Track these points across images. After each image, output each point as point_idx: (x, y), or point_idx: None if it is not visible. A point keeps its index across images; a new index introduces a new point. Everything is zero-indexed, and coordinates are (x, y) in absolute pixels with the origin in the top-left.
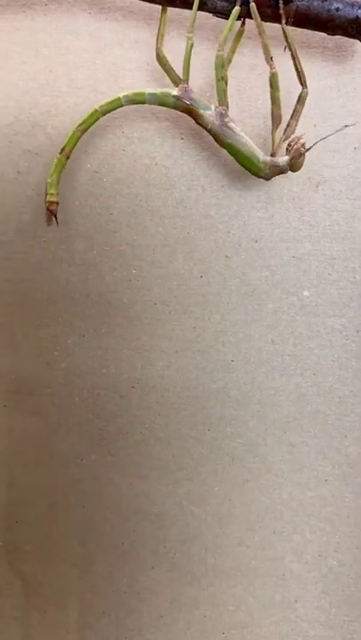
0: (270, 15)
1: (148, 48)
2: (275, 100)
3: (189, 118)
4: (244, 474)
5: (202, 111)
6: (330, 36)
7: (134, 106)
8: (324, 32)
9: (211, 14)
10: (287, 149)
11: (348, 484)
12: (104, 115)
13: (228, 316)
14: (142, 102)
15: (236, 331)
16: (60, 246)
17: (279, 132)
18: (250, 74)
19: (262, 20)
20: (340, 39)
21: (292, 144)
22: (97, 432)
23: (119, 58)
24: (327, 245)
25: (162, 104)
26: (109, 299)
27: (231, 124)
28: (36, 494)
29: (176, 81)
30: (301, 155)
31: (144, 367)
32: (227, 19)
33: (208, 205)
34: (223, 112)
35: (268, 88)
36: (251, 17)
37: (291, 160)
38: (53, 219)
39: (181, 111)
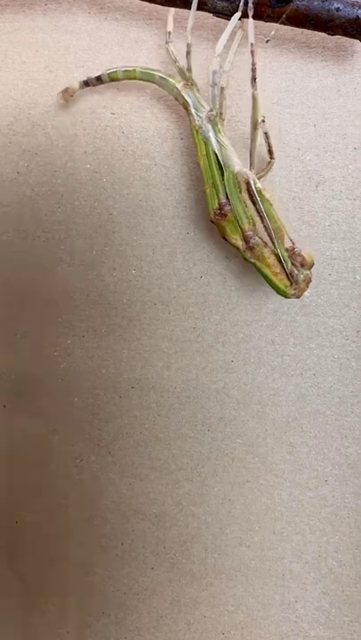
0: (271, 15)
1: (147, 48)
2: (253, 122)
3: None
4: (244, 474)
5: (192, 110)
6: (330, 36)
7: (134, 106)
8: (324, 32)
9: (211, 14)
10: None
11: (348, 484)
12: (119, 80)
13: (228, 316)
14: (152, 81)
15: (236, 331)
16: (59, 246)
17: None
18: (249, 74)
19: (262, 20)
20: (340, 39)
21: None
22: (96, 432)
23: (119, 58)
24: (327, 245)
25: (167, 90)
26: (109, 299)
27: (219, 133)
28: (35, 494)
29: (184, 76)
30: (297, 254)
31: (144, 367)
32: (227, 19)
33: None
34: (212, 117)
35: (267, 88)
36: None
37: (301, 265)
38: (63, 97)
39: (181, 104)
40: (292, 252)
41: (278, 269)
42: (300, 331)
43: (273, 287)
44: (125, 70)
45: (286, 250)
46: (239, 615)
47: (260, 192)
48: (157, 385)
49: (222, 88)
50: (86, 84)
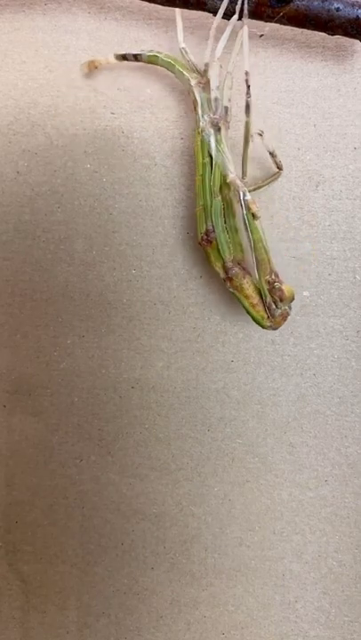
0: (271, 15)
1: (147, 47)
2: (246, 125)
3: (189, 118)
4: (244, 474)
5: (199, 110)
6: (330, 36)
7: (134, 106)
8: (324, 32)
9: (212, 14)
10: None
11: (348, 484)
12: (142, 62)
13: (228, 316)
14: (171, 70)
15: (236, 331)
16: (59, 246)
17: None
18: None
19: (262, 20)
20: (340, 39)
21: (273, 288)
22: (96, 432)
23: None
24: (327, 245)
25: (182, 83)
26: (109, 299)
27: (221, 143)
28: (35, 495)
29: (199, 75)
30: (277, 289)
31: (144, 367)
32: (227, 19)
33: None
34: (215, 122)
35: (267, 87)
36: (249, 17)
37: (279, 299)
38: (88, 67)
39: (191, 102)
40: (272, 286)
41: (256, 301)
42: (300, 331)
43: (251, 317)
44: (151, 54)
45: (267, 282)
46: (239, 615)
47: (247, 204)
48: (157, 385)
49: (229, 100)
50: (116, 58)
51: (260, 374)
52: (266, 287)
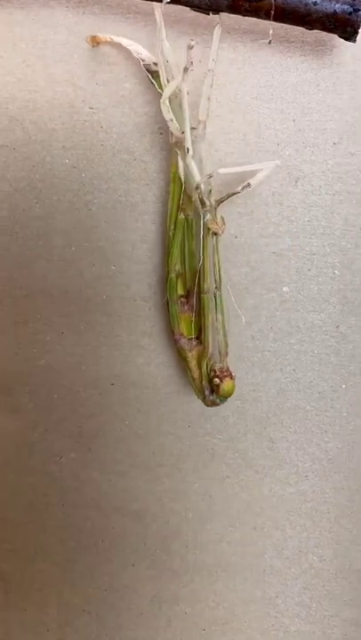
0: (248, 9)
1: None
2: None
3: None
4: (225, 470)
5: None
6: (309, 31)
7: (113, 101)
8: (302, 26)
9: (189, 8)
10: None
11: (328, 479)
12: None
13: None
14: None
15: None
16: (38, 242)
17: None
18: (229, 68)
19: (241, 14)
20: (319, 33)
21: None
22: (76, 429)
23: (97, 52)
24: (306, 241)
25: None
26: (88, 295)
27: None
28: (15, 492)
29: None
30: (215, 384)
31: (124, 364)
32: (205, 13)
33: None
34: (180, 143)
35: (246, 82)
36: (227, 11)
37: (212, 390)
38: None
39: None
40: (212, 378)
41: (196, 375)
42: (280, 326)
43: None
44: (150, 64)
45: (212, 370)
46: (220, 611)
47: (206, 224)
48: (137, 381)
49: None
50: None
51: (240, 370)
52: (208, 371)
